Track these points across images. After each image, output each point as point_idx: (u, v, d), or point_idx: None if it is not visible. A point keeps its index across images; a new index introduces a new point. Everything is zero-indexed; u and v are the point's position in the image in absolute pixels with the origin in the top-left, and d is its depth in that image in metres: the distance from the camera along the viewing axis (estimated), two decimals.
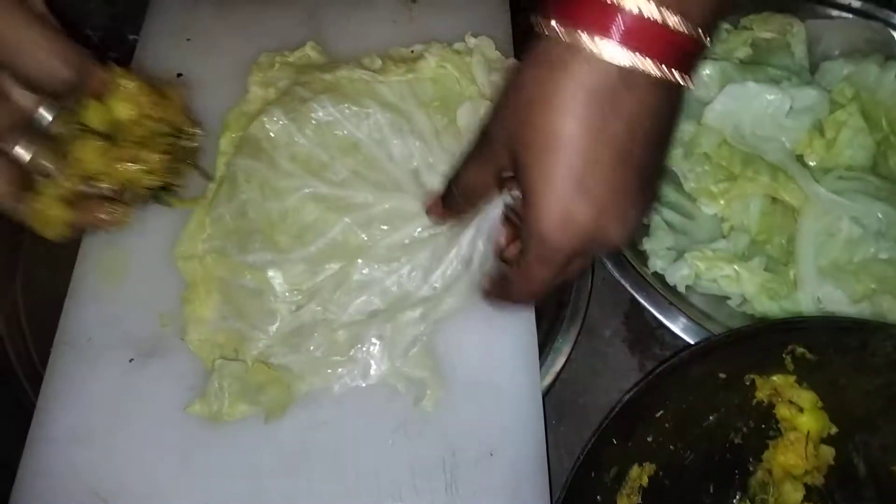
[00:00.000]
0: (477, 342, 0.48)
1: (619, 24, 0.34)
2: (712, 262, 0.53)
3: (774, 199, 0.56)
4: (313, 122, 0.50)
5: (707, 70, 0.59)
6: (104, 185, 0.42)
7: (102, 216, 0.42)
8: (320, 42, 0.58)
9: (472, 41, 0.56)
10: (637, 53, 0.34)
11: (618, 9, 0.33)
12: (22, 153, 0.40)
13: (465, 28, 0.59)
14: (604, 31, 0.34)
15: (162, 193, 0.47)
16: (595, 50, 0.34)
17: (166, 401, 0.45)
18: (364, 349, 0.46)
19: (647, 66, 0.34)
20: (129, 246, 0.50)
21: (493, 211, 0.45)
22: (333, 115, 0.50)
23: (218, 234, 0.49)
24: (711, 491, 0.47)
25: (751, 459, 0.47)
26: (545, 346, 0.51)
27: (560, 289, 0.53)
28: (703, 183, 0.57)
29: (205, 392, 0.45)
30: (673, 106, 0.37)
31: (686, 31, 0.34)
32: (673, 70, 0.35)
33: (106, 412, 0.45)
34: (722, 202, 0.56)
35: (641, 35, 0.34)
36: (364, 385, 0.46)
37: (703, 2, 0.34)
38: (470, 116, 0.52)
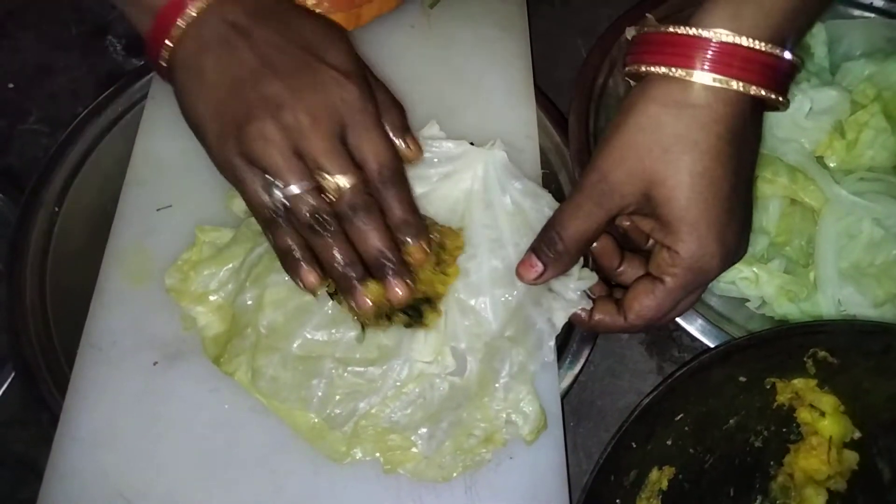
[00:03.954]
0: None
1: (732, 59, 0.38)
2: None
3: (794, 201, 0.56)
4: None
5: None
6: None
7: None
8: None
9: None
10: (753, 86, 0.39)
11: (732, 45, 0.38)
12: None
13: (482, 32, 0.59)
14: (722, 69, 0.38)
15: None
16: (719, 84, 0.38)
17: (190, 403, 0.46)
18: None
19: (761, 94, 0.39)
20: (154, 249, 0.51)
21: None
22: None
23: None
24: (732, 495, 0.46)
25: (772, 463, 0.46)
26: (563, 348, 0.51)
27: None
28: None
29: None
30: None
31: (783, 56, 0.39)
32: (778, 96, 0.40)
33: (131, 414, 0.45)
34: None
35: (753, 67, 0.38)
36: None
37: (793, 29, 0.40)
38: None
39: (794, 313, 0.52)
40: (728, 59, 0.38)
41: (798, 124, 0.57)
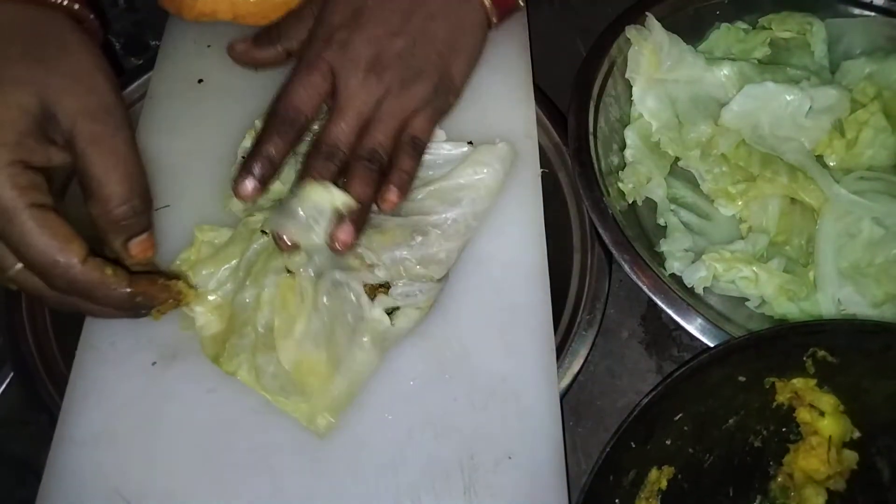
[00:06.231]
0: (494, 345, 0.48)
1: None
2: (730, 264, 0.52)
3: (793, 200, 0.56)
4: None
5: (725, 70, 0.59)
6: None
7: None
8: None
9: None
10: None
11: None
12: None
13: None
14: None
15: None
16: None
17: (188, 403, 0.46)
18: None
19: None
20: None
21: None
22: None
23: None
24: (731, 494, 0.46)
25: (771, 463, 0.46)
26: (562, 348, 0.51)
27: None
28: (721, 184, 0.56)
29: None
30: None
31: None
32: None
33: (129, 414, 0.45)
34: (740, 203, 0.56)
35: None
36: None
37: None
38: None
39: (793, 313, 0.52)
40: None
41: (798, 123, 0.57)
